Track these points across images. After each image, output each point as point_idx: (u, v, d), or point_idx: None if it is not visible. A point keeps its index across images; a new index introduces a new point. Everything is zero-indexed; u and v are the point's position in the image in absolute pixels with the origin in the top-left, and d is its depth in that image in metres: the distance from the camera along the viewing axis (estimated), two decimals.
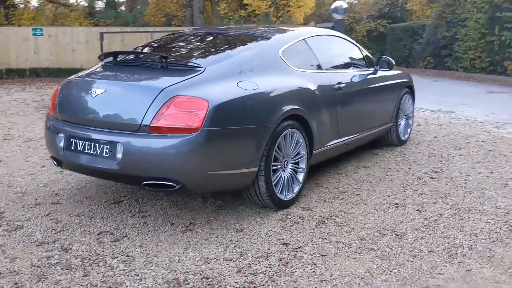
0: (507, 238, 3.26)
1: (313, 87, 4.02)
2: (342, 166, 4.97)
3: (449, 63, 18.14)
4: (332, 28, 12.45)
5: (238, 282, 2.67)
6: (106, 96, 3.33)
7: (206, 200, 3.91)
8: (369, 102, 4.94)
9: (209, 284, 2.65)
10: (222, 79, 3.40)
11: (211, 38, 4.34)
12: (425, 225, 3.46)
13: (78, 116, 3.49)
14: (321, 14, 30.52)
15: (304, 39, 4.31)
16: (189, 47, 4.20)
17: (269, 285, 2.64)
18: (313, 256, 2.98)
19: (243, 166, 3.34)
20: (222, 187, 3.46)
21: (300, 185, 3.89)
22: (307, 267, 2.85)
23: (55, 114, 3.66)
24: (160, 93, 3.16)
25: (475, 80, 15.04)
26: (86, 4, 21.26)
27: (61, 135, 3.53)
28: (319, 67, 4.33)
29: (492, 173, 4.75)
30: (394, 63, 5.14)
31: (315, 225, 3.45)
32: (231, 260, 2.92)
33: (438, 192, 4.17)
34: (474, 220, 3.55)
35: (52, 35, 16.23)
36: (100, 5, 20.06)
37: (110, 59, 3.82)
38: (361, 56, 5.17)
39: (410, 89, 5.90)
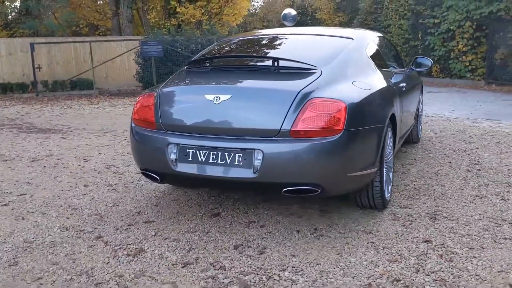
0: None
1: (390, 85, 4.11)
2: None
3: None
4: None
5: (427, 281, 2.65)
6: (233, 102, 3.13)
7: (303, 205, 3.81)
8: (410, 101, 5.13)
9: (405, 286, 2.60)
10: (340, 80, 3.37)
11: (287, 40, 4.23)
12: None
13: (196, 125, 3.24)
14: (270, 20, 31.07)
15: (373, 39, 4.39)
16: (274, 49, 4.05)
17: (458, 280, 2.66)
18: (464, 249, 3.04)
19: (369, 166, 3.33)
20: (351, 189, 3.41)
21: (391, 184, 3.95)
22: (472, 260, 2.90)
23: (158, 125, 3.36)
24: (297, 95, 3.06)
25: None
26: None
27: (172, 146, 3.25)
28: (386, 66, 4.43)
29: None
30: (432, 62, 5.36)
31: (430, 221, 3.52)
32: (395, 261, 2.90)
33: (499, 182, 4.44)
34: None
35: None
36: (14, 15, 18.47)
37: (191, 65, 3.62)
38: (398, 56, 5.36)
39: (422, 89, 6.22)
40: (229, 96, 3.14)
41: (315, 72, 3.36)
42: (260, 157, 3.03)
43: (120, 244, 3.16)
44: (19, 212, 3.79)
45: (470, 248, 3.06)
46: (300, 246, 3.10)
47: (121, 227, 3.46)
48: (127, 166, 5.18)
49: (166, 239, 3.24)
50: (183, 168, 3.22)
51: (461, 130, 7.15)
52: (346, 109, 3.06)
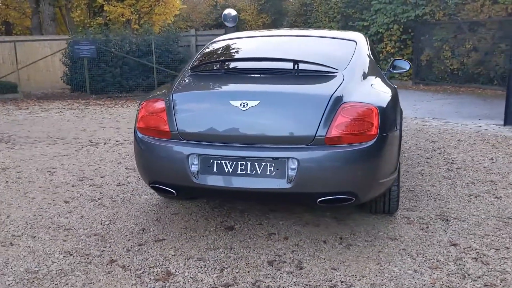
0: None
1: (394, 88, 4.09)
2: None
3: None
4: None
5: (479, 287, 2.64)
6: (262, 108, 2.94)
7: (313, 213, 3.69)
8: None
9: None
10: (360, 83, 3.29)
11: (291, 41, 4.05)
12: None
13: (220, 133, 3.00)
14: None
15: (367, 41, 4.35)
16: (283, 51, 3.84)
17: (507, 283, 2.67)
18: (491, 250, 3.08)
19: (394, 171, 3.27)
20: (378, 195, 3.32)
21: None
22: (505, 261, 2.94)
23: (174, 134, 3.07)
24: (329, 100, 2.93)
25: None
26: None
27: (193, 157, 2.99)
28: (381, 68, 4.43)
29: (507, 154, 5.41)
30: (410, 65, 5.41)
31: (444, 223, 3.54)
32: (437, 268, 2.86)
33: (483, 180, 4.60)
34: None
35: None
36: None
37: (197, 68, 3.37)
38: (378, 58, 5.39)
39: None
40: (257, 102, 2.94)
41: (337, 75, 3.25)
42: (294, 166, 2.87)
43: (141, 268, 2.85)
44: (3, 237, 3.32)
45: (497, 249, 3.10)
46: (336, 258, 2.97)
47: (131, 248, 3.13)
48: (102, 177, 4.76)
49: (189, 258, 2.97)
50: (207, 180, 2.97)
51: (418, 129, 7.39)
52: (378, 113, 2.98)
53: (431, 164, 5.21)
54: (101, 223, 3.55)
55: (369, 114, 2.96)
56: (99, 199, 4.10)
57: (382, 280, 2.70)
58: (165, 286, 2.64)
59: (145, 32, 13.50)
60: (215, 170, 2.96)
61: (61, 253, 3.05)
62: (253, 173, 2.91)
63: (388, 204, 3.52)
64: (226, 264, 2.89)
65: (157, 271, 2.81)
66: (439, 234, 3.34)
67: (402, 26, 14.86)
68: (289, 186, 2.87)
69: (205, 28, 30.59)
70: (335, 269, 2.83)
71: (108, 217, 3.66)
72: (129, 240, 3.25)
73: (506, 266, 2.87)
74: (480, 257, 2.98)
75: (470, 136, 6.77)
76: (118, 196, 4.17)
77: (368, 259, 2.96)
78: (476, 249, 3.09)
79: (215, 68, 3.42)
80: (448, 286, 2.63)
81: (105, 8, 16.46)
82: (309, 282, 2.68)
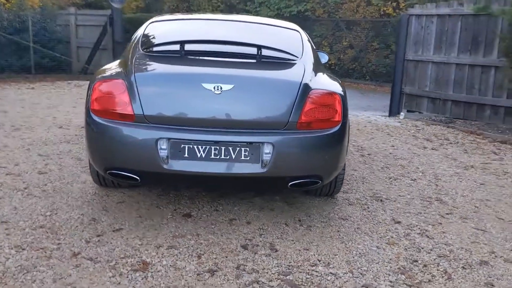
0: None
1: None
2: None
3: None
4: (111, 17, 11.88)
5: (434, 258, 2.95)
6: (236, 92, 2.92)
7: (263, 197, 3.76)
8: None
9: (424, 265, 2.85)
10: (317, 71, 3.42)
11: (239, 27, 3.98)
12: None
13: (192, 117, 2.91)
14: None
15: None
16: (236, 36, 3.75)
17: (455, 253, 3.03)
18: (429, 226, 3.45)
19: (346, 155, 3.46)
20: (334, 177, 3.46)
21: None
22: (445, 235, 3.31)
23: (139, 118, 2.90)
24: (300, 87, 3.03)
25: None
26: None
27: (161, 142, 2.87)
28: None
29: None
30: (328, 57, 5.60)
31: (381, 203, 3.86)
32: (394, 244, 3.13)
33: (396, 165, 5.08)
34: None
35: None
36: None
37: (152, 49, 3.25)
38: None
39: None
40: (231, 86, 2.91)
41: (297, 63, 3.35)
42: (268, 150, 2.91)
43: (112, 260, 2.67)
44: None
45: (433, 225, 3.47)
46: (302, 239, 3.09)
47: (90, 239, 2.91)
48: (16, 165, 4.28)
49: (159, 247, 2.85)
50: (178, 166, 2.88)
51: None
52: (341, 100, 3.14)
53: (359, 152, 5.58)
54: (41, 215, 3.22)
55: (334, 101, 3.11)
56: (25, 188, 3.70)
57: (353, 257, 2.88)
58: (148, 276, 2.52)
59: (18, 8, 12.23)
60: (186, 155, 2.88)
61: (11, 248, 2.72)
62: (227, 158, 2.89)
63: (334, 186, 3.72)
64: (200, 251, 2.83)
65: (131, 261, 2.66)
66: (381, 213, 3.64)
67: (285, 20, 15.45)
68: (263, 170, 2.90)
69: (63, 6, 28.61)
70: (307, 249, 2.94)
71: (47, 208, 3.34)
72: (83, 231, 3.01)
73: (447, 239, 3.23)
74: (423, 232, 3.32)
75: (365, 126, 7.36)
76: (46, 185, 3.80)
77: (332, 239, 3.12)
78: (416, 225, 3.43)
79: (172, 49, 3.28)
80: (411, 259, 2.90)
81: None
82: (290, 263, 2.75)
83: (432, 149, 5.95)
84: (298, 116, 2.96)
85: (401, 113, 8.33)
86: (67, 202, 3.47)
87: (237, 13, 16.60)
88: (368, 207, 3.74)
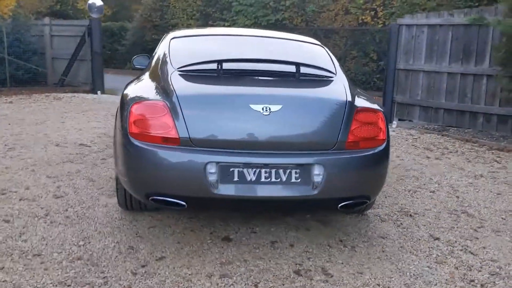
0: None
1: None
2: None
3: None
4: (89, 27, 11.55)
5: (487, 277, 2.93)
6: (284, 113, 2.82)
7: (293, 215, 3.66)
8: None
9: (481, 285, 2.81)
10: (353, 87, 3.36)
11: (266, 42, 3.87)
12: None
13: (240, 139, 2.79)
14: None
15: None
16: (269, 53, 3.63)
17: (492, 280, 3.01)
18: (469, 241, 3.44)
19: None
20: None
21: None
22: (486, 251, 3.31)
23: (184, 141, 2.76)
24: (346, 105, 2.96)
25: None
26: None
27: (210, 166, 2.74)
28: None
29: None
30: None
31: (412, 219, 3.83)
32: (442, 262, 3.09)
33: (409, 176, 5.08)
34: None
35: None
36: None
37: (187, 68, 3.12)
38: None
39: None
40: (280, 107, 2.81)
41: (335, 79, 3.29)
42: (318, 172, 2.82)
43: None
44: None
45: (470, 240, 3.46)
46: (352, 261, 3.01)
47: (136, 270, 2.74)
48: (27, 189, 4.04)
49: (211, 276, 2.72)
50: (227, 190, 2.75)
51: None
52: (384, 118, 3.09)
53: None
54: (74, 245, 3.03)
55: (377, 119, 3.05)
56: (46, 215, 3.48)
57: (409, 279, 2.82)
58: None
59: None
60: (236, 179, 2.76)
61: (55, 286, 2.53)
62: (278, 180, 2.78)
63: (371, 204, 3.66)
64: (254, 279, 2.71)
65: None
66: (416, 229, 3.60)
67: (263, 29, 15.44)
68: (314, 192, 2.81)
69: (37, 17, 27.87)
70: (361, 273, 2.86)
71: (77, 237, 3.14)
72: (124, 261, 2.84)
73: (491, 255, 3.22)
74: (466, 249, 3.29)
75: None
76: (67, 210, 3.59)
77: (380, 260, 3.05)
78: (455, 241, 3.41)
79: (209, 68, 3.15)
80: (466, 279, 2.86)
81: None
82: None
83: (436, 158, 5.99)
84: (346, 136, 2.89)
85: (394, 122, 8.40)
86: (96, 229, 3.28)
87: (213, 21, 16.50)
88: (401, 223, 3.70)
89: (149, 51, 18.66)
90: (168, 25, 18.57)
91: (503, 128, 7.29)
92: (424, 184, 4.79)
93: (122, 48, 20.48)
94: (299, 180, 2.80)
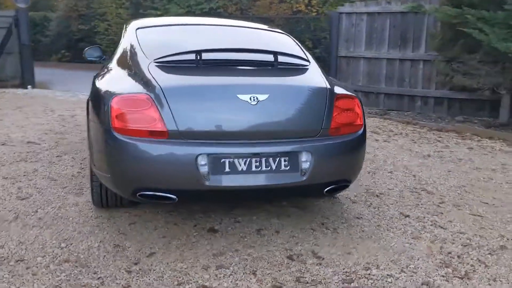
0: None
1: None
2: None
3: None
4: (16, 18, 10.87)
5: (465, 252, 3.15)
6: (271, 102, 2.85)
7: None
8: None
9: (458, 256, 3.03)
10: (325, 75, 3.45)
11: (234, 31, 3.86)
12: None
13: (230, 130, 2.79)
14: None
15: None
16: (240, 42, 3.61)
17: (477, 240, 3.26)
18: (436, 216, 3.67)
19: None
20: None
21: None
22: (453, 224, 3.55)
23: (173, 134, 2.72)
24: (327, 93, 3.05)
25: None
26: None
27: (201, 158, 2.73)
28: None
29: None
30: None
31: (377, 198, 4.02)
32: (418, 237, 3.28)
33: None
34: None
35: None
36: None
37: (164, 59, 3.07)
38: None
39: None
40: (266, 96, 2.84)
41: (310, 68, 3.35)
42: (305, 159, 2.89)
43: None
44: None
45: (437, 215, 3.69)
46: (338, 243, 3.12)
47: (130, 269, 2.68)
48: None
49: (207, 268, 2.72)
50: (220, 181, 2.75)
51: None
52: (360, 104, 3.21)
53: None
54: (56, 247, 2.90)
55: (355, 105, 3.17)
56: (16, 218, 3.30)
57: (394, 255, 2.97)
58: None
59: None
60: (227, 170, 2.76)
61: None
62: (268, 169, 2.82)
63: None
64: (251, 267, 2.74)
65: (190, 287, 2.50)
66: (386, 208, 3.78)
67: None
68: (303, 179, 2.88)
69: None
70: (349, 253, 2.98)
71: (56, 238, 3.01)
72: (115, 260, 2.77)
73: (458, 228, 3.45)
74: (435, 223, 3.52)
75: None
76: (37, 212, 3.42)
77: (363, 239, 3.19)
78: (424, 217, 3.62)
79: (187, 59, 3.10)
80: (444, 252, 3.05)
81: None
82: (344, 269, 2.77)
83: (385, 141, 6.28)
84: (330, 122, 2.98)
85: None
86: (75, 229, 3.16)
87: (144, 10, 16.06)
88: (371, 204, 3.86)
89: (76, 41, 17.96)
90: (96, 14, 17.88)
91: (440, 109, 7.76)
92: (381, 166, 5.02)
93: (46, 39, 19.41)
94: (288, 167, 2.85)
